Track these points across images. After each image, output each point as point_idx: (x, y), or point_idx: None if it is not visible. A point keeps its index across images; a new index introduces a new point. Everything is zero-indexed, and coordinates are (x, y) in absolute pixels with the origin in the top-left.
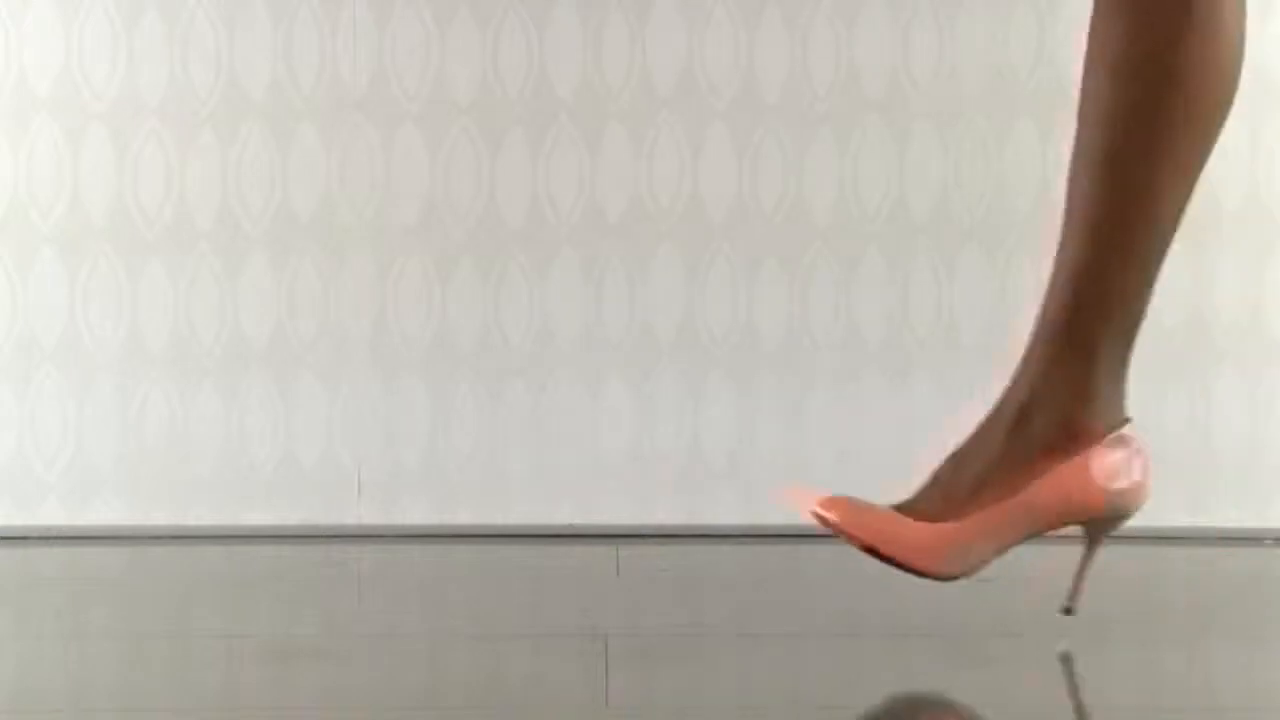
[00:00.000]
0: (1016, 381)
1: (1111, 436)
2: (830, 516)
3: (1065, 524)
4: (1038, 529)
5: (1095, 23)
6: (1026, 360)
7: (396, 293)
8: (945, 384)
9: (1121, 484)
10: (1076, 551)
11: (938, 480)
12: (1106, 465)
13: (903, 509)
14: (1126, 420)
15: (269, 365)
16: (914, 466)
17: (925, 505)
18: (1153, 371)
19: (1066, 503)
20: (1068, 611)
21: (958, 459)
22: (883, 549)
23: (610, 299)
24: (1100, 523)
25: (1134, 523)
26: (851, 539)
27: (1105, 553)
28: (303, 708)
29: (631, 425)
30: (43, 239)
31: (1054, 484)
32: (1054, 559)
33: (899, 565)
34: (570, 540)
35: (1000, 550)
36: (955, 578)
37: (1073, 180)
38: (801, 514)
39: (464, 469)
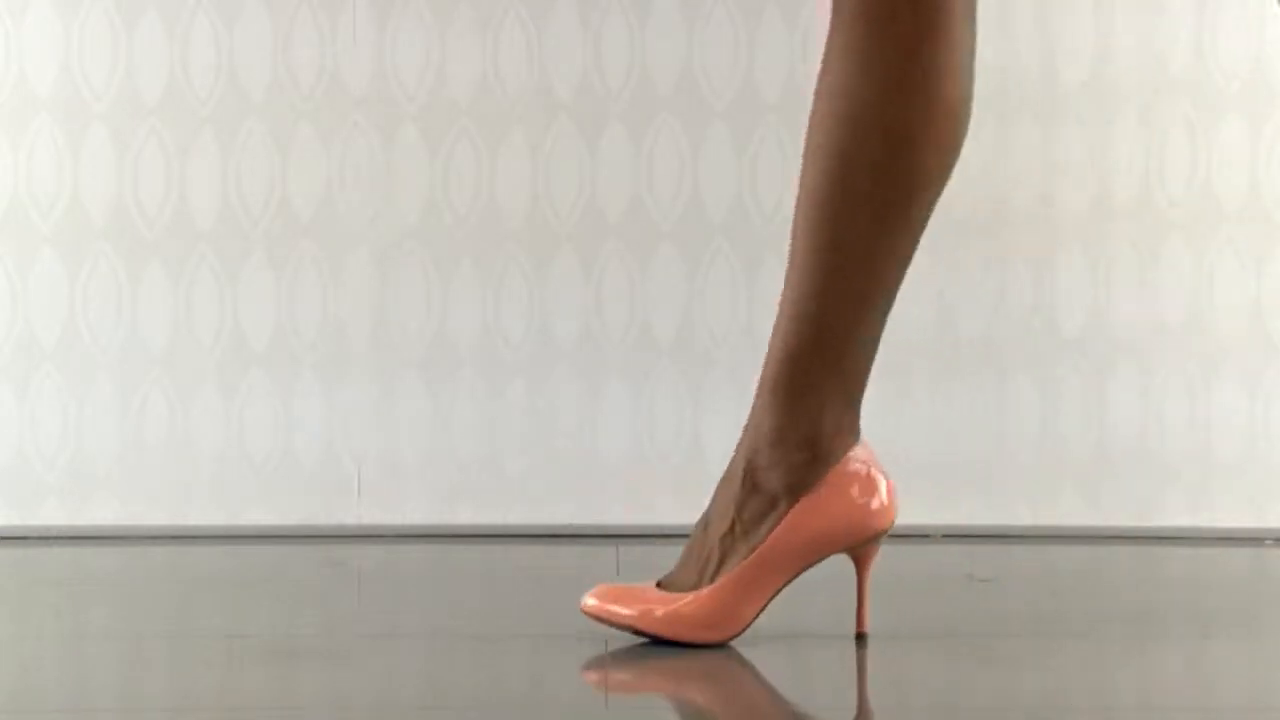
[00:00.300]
0: (744, 436)
1: (840, 466)
2: (588, 604)
3: (823, 556)
4: (795, 571)
5: (826, 63)
6: (752, 413)
7: (396, 293)
8: (943, 384)
9: (872, 504)
10: (1082, 551)
11: (690, 550)
12: (846, 493)
13: (663, 584)
14: (855, 442)
15: (269, 365)
16: (912, 465)
17: (682, 576)
18: (1153, 371)
19: (815, 539)
20: (860, 638)
21: (704, 524)
22: (642, 627)
23: (610, 299)
24: (858, 545)
25: (1134, 523)
26: (611, 622)
27: (1105, 552)
28: (303, 708)
29: (631, 425)
30: (43, 239)
31: (795, 526)
32: (1054, 559)
33: (664, 640)
34: (570, 540)
35: (765, 602)
36: (726, 641)
37: (795, 224)
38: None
39: (464, 469)
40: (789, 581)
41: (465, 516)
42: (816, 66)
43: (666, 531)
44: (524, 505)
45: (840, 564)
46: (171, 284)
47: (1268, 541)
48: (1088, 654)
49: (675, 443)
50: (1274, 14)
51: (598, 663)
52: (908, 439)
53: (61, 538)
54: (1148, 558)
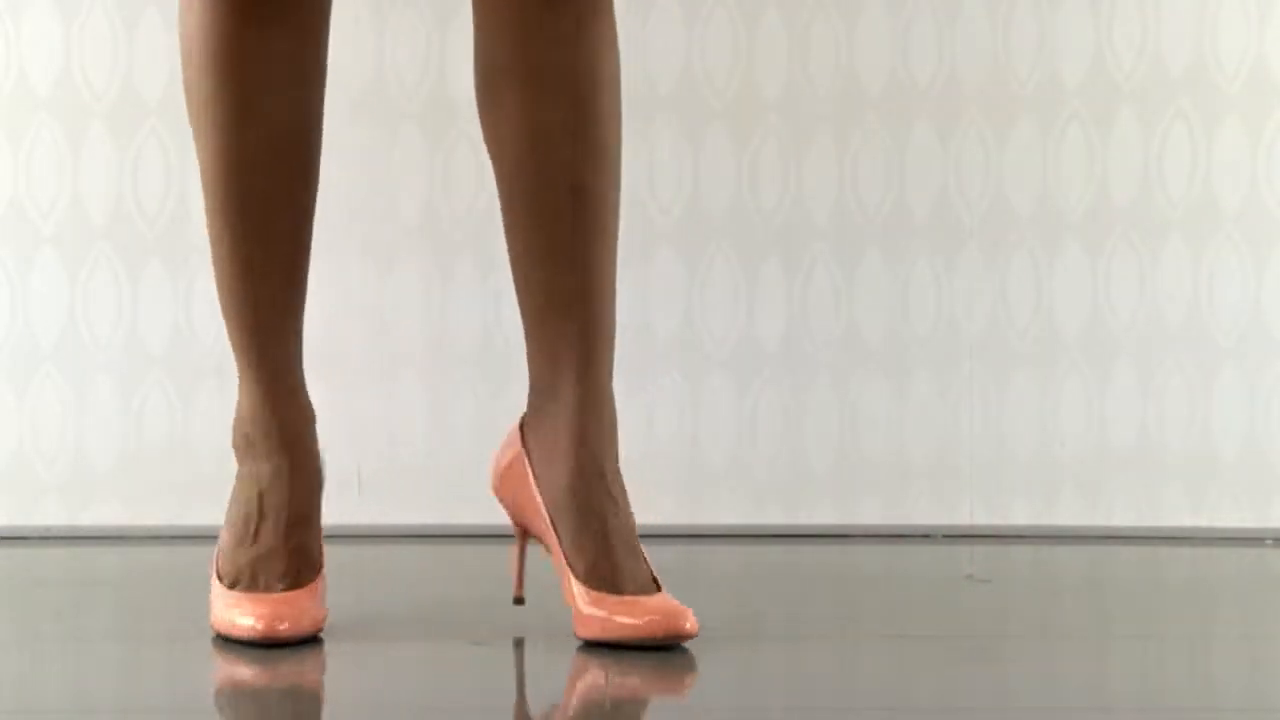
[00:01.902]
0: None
1: None
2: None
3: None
4: None
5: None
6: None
7: (395, 293)
8: (943, 384)
9: None
10: (1082, 551)
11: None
12: None
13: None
14: None
15: None
16: (912, 466)
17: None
18: (1153, 371)
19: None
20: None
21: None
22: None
23: None
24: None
25: (1134, 522)
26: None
27: (1105, 552)
28: (302, 708)
29: (632, 425)
30: (43, 239)
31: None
32: (1054, 559)
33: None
34: None
35: None
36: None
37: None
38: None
39: (464, 469)
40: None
41: (465, 516)
42: (817, 67)
43: (667, 531)
44: None
45: (839, 565)
46: (171, 284)
47: (1268, 541)
48: (1088, 654)
49: (675, 443)
50: (1274, 14)
51: (598, 663)
52: (908, 439)
53: (61, 538)
54: (1148, 558)
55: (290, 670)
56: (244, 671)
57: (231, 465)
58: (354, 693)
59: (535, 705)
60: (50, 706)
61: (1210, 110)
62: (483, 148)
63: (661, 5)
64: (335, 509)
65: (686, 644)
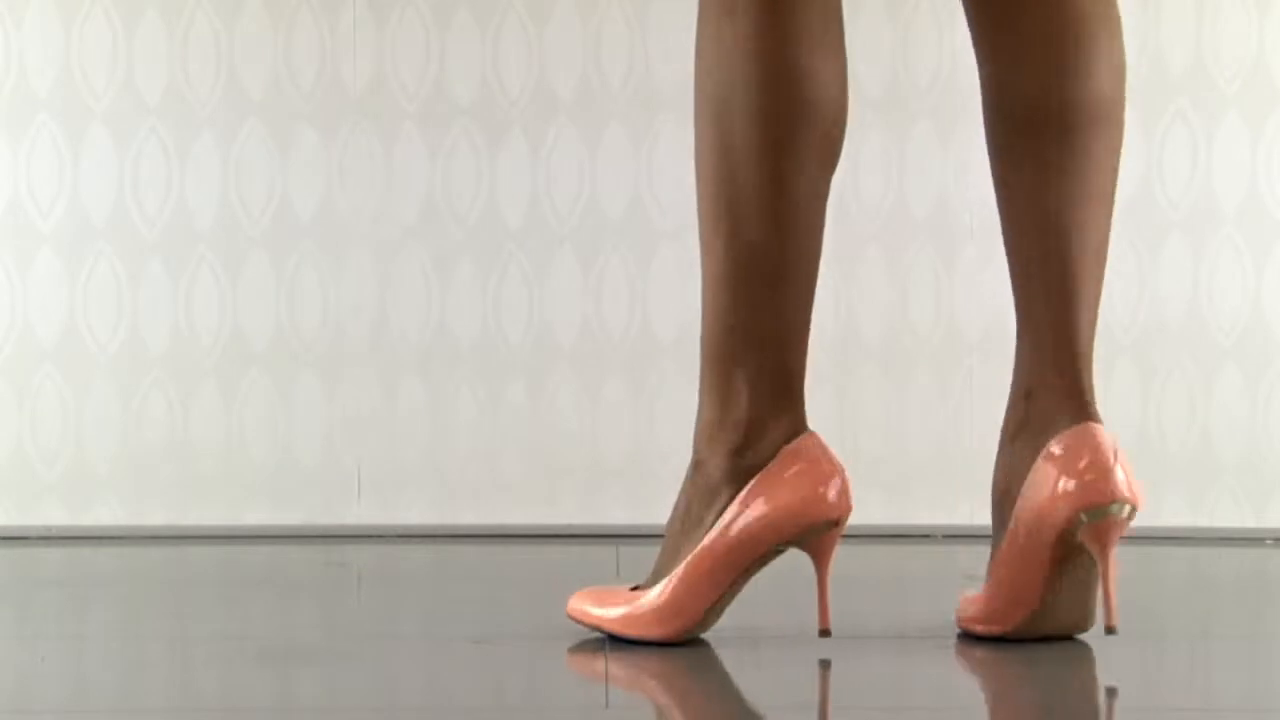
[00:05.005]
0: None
1: (784, 455)
2: (569, 605)
3: (772, 547)
4: (745, 563)
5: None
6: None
7: (396, 293)
8: (945, 383)
9: (819, 492)
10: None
11: (661, 549)
12: (790, 481)
13: (640, 585)
14: (803, 430)
15: (269, 365)
16: (912, 465)
17: (653, 576)
18: (1153, 371)
19: (759, 528)
20: (823, 634)
21: (670, 519)
22: (605, 627)
23: (610, 299)
24: (807, 535)
25: (1134, 522)
26: (584, 622)
27: None
28: (303, 708)
29: (631, 425)
30: (43, 239)
31: (739, 516)
32: None
33: (628, 639)
34: (570, 540)
35: (719, 596)
36: (679, 637)
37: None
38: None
39: (464, 469)
40: (746, 574)
41: (465, 516)
42: None
43: None
44: (524, 505)
45: (838, 565)
46: (171, 284)
47: (1268, 541)
48: (1087, 654)
49: (675, 443)
50: (1274, 14)
51: (597, 662)
52: (908, 438)
53: (61, 538)
54: (1148, 558)
55: (289, 671)
56: (242, 673)
57: (227, 465)
58: (354, 692)
59: (537, 705)
60: (50, 706)
61: (1210, 110)
62: (483, 148)
63: (661, 5)
64: (335, 509)
65: (686, 644)
